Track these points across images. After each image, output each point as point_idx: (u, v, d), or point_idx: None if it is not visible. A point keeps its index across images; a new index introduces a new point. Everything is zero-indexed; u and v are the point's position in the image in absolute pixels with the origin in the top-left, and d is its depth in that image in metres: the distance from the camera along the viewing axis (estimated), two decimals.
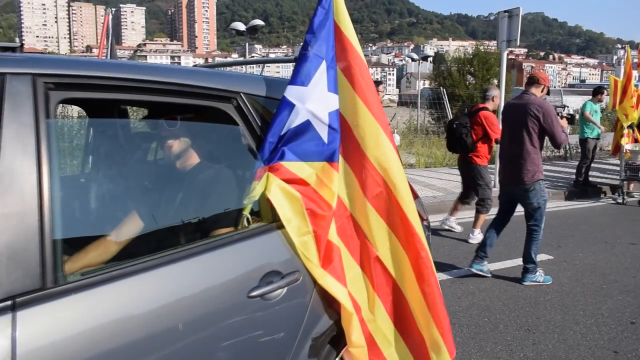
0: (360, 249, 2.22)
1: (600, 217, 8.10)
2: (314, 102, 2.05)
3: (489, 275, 5.12)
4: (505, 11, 8.77)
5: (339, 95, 2.16)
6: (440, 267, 5.35)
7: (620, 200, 9.20)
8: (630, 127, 9.63)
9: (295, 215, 1.96)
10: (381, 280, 2.24)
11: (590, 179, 10.08)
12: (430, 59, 51.52)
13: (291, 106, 2.02)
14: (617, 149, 10.33)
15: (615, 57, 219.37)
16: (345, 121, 2.19)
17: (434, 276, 2.28)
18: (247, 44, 18.92)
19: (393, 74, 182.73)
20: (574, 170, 10.19)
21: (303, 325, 2.02)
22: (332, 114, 2.11)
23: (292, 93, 2.04)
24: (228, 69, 3.05)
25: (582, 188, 9.77)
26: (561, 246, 6.33)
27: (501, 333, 3.96)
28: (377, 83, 6.47)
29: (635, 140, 9.69)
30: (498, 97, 6.69)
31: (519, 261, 5.61)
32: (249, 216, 1.99)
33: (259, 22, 17.83)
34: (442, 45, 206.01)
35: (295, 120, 2.02)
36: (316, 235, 1.99)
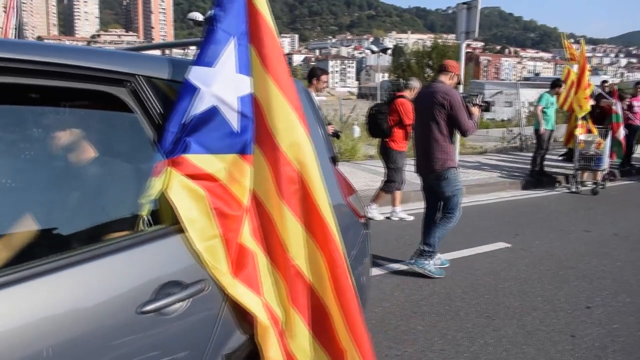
0: (279, 254, 1.94)
1: (556, 206, 8.30)
2: (221, 85, 1.79)
3: (439, 274, 4.88)
4: (464, 3, 8.85)
5: (253, 78, 1.90)
6: (401, 256, 5.36)
7: (574, 189, 9.44)
8: (584, 118, 9.89)
9: (200, 216, 1.71)
10: (299, 289, 1.96)
11: (546, 169, 10.31)
12: (390, 51, 51.98)
13: (194, 90, 1.76)
14: (569, 139, 10.59)
15: (567, 52, 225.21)
16: (259, 108, 1.91)
17: (349, 285, 2.02)
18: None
19: (353, 66, 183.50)
20: (530, 161, 10.40)
21: (212, 342, 1.76)
22: (244, 99, 1.84)
23: (195, 75, 1.77)
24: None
25: (537, 178, 9.98)
26: (518, 234, 6.44)
27: (462, 320, 3.98)
28: (321, 72, 6.38)
29: (589, 131, 9.94)
30: (417, 89, 6.75)
31: (478, 249, 5.71)
32: (147, 218, 1.72)
33: None
34: (401, 38, 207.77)
35: (199, 106, 1.75)
36: (225, 238, 1.75)
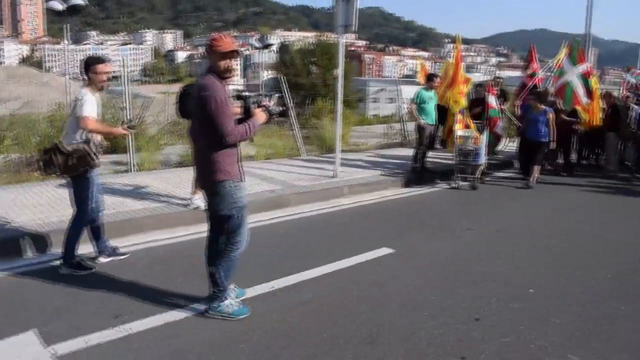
0: None
1: (438, 203, 8.11)
2: None
3: (242, 314, 3.90)
4: None
5: None
6: (265, 273, 4.73)
7: (454, 185, 9.38)
8: (461, 112, 9.88)
9: None
10: None
11: (428, 164, 10.21)
12: (275, 48, 51.63)
13: None
14: (449, 134, 10.58)
15: (444, 50, 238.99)
16: None
17: None
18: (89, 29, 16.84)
19: (239, 63, 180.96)
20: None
21: None
22: None
23: None
24: None
25: (419, 174, 9.82)
26: (402, 237, 6.06)
27: (342, 350, 3.41)
28: (94, 61, 4.86)
29: (467, 126, 9.95)
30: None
31: (361, 257, 5.21)
32: None
33: (79, 1, 15.88)
34: (287, 36, 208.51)
35: None
36: None
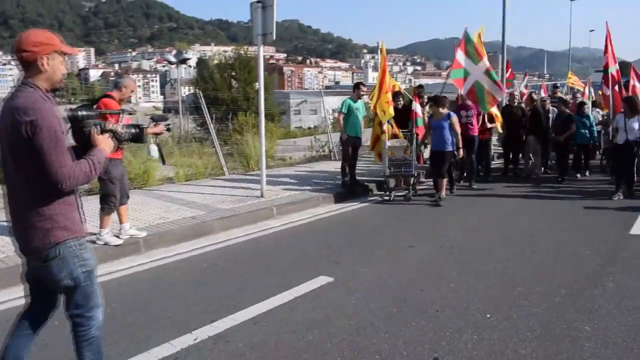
0: None
1: (373, 219, 7.68)
2: None
3: None
4: (258, 1, 7.82)
5: None
6: (185, 321, 4.04)
7: (387, 197, 9.00)
8: (388, 122, 9.53)
9: None
10: None
11: (358, 177, 9.78)
12: (193, 62, 50.16)
13: None
14: (375, 143, 10.20)
15: (363, 61, 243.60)
16: None
17: None
18: None
19: (156, 80, 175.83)
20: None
21: None
22: None
23: None
24: None
25: (349, 188, 9.38)
26: (340, 262, 5.50)
27: None
28: None
29: (395, 136, 9.63)
30: (130, 88, 5.98)
31: (297, 291, 4.59)
32: None
33: None
34: (204, 51, 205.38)
35: None
36: None
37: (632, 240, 6.38)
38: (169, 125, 6.34)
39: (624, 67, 12.91)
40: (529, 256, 5.68)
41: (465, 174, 10.50)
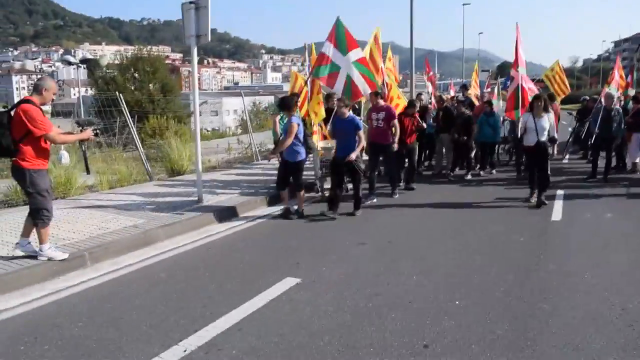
0: None
1: (314, 219, 7.78)
2: None
3: None
4: (190, 2, 7.68)
5: None
6: (168, 333, 3.98)
7: (318, 197, 9.21)
8: (319, 124, 9.72)
9: None
10: None
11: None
12: (84, 63, 47.32)
13: None
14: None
15: (261, 62, 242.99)
16: None
17: None
18: None
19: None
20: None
21: None
22: None
23: None
24: None
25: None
26: (300, 262, 5.60)
27: None
28: None
29: (325, 137, 9.83)
30: (52, 90, 5.46)
31: (268, 294, 4.61)
32: None
33: None
34: (95, 50, 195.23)
35: None
36: None
37: (556, 225, 7.07)
38: (96, 130, 6.07)
39: (505, 67, 13.65)
40: (475, 246, 6.12)
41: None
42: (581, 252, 5.82)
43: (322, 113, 9.50)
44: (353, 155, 7.61)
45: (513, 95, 10.50)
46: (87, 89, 42.24)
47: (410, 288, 4.74)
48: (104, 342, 3.78)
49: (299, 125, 7.75)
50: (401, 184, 10.09)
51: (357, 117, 8.23)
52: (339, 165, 7.91)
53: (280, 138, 8.17)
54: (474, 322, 3.94)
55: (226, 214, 7.84)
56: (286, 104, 7.95)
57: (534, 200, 8.46)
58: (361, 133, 7.84)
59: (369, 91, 9.10)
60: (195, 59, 8.14)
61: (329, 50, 8.88)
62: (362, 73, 8.93)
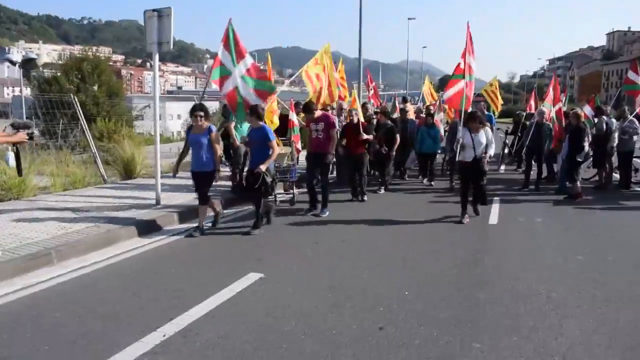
0: None
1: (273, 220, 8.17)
2: None
3: None
4: (153, 10, 7.97)
5: None
6: (145, 321, 4.31)
7: (271, 202, 9.58)
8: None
9: None
10: None
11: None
12: (18, 60, 45.69)
13: None
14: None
15: (205, 66, 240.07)
16: None
17: None
18: None
19: None
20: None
21: None
22: None
23: None
24: None
25: (238, 194, 9.77)
26: (262, 259, 6.02)
27: None
28: None
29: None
30: None
31: (230, 290, 5.01)
32: None
33: None
34: (31, 48, 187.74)
35: None
36: None
37: (492, 228, 7.84)
38: (31, 133, 5.97)
39: (446, 81, 13.85)
40: (422, 246, 6.74)
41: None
42: (514, 250, 6.52)
43: (276, 121, 9.92)
44: (263, 167, 7.24)
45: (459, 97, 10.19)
46: (21, 89, 40.84)
47: (366, 281, 5.26)
48: (85, 329, 4.06)
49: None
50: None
51: (268, 127, 7.92)
52: (248, 177, 7.58)
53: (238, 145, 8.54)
54: (422, 310, 4.49)
55: (186, 214, 8.13)
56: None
57: (465, 221, 8.11)
58: (273, 144, 7.52)
59: (261, 102, 8.56)
60: (157, 64, 8.46)
61: (220, 52, 8.65)
62: (253, 88, 8.65)
